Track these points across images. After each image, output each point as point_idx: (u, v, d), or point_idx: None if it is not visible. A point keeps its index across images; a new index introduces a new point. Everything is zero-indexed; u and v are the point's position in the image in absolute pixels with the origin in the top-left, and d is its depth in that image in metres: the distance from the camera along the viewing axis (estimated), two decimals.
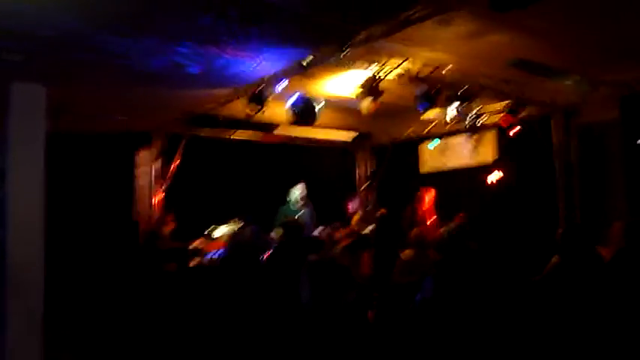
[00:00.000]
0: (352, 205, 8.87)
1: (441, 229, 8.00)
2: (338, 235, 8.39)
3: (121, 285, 6.54)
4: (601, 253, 3.96)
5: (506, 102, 7.30)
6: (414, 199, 8.34)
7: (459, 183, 9.23)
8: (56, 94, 5.71)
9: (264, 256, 5.87)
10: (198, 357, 3.91)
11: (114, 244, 7.79)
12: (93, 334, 5.38)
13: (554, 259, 4.41)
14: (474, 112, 6.92)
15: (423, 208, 8.25)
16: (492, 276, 3.44)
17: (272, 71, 5.95)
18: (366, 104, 6.41)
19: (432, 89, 6.23)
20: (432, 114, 7.55)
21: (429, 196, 8.30)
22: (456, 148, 9.23)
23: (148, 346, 4.66)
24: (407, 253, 6.42)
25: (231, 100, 6.78)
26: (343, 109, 8.28)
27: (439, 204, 8.50)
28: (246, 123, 7.79)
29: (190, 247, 7.28)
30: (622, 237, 3.78)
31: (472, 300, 2.55)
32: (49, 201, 6.08)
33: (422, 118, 7.87)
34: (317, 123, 6.89)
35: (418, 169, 9.85)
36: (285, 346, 2.21)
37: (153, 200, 8.34)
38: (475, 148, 8.87)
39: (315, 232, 7.55)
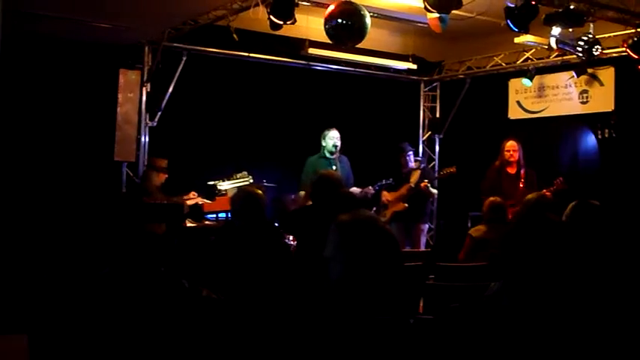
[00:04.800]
0: (410, 159, 8.69)
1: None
2: (387, 197, 8.34)
3: (90, 249, 6.64)
4: None
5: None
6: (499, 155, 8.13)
7: (560, 136, 9.20)
8: None
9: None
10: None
11: (86, 192, 7.88)
12: (48, 307, 5.50)
13: None
14: (586, 39, 6.65)
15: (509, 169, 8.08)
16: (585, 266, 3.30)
17: None
18: (436, 20, 6.26)
19: (530, 2, 5.97)
20: (530, 38, 7.36)
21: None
22: (559, 88, 9.14)
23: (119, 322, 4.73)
24: (478, 229, 6.42)
25: (247, 7, 6.66)
26: (402, 26, 8.12)
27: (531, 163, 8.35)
28: (268, 38, 7.74)
29: (186, 203, 7.34)
30: None
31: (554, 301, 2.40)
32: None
33: (516, 41, 7.72)
34: (365, 44, 6.77)
35: (506, 113, 9.81)
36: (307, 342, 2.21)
37: (140, 137, 8.34)
38: (585, 89, 8.75)
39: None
